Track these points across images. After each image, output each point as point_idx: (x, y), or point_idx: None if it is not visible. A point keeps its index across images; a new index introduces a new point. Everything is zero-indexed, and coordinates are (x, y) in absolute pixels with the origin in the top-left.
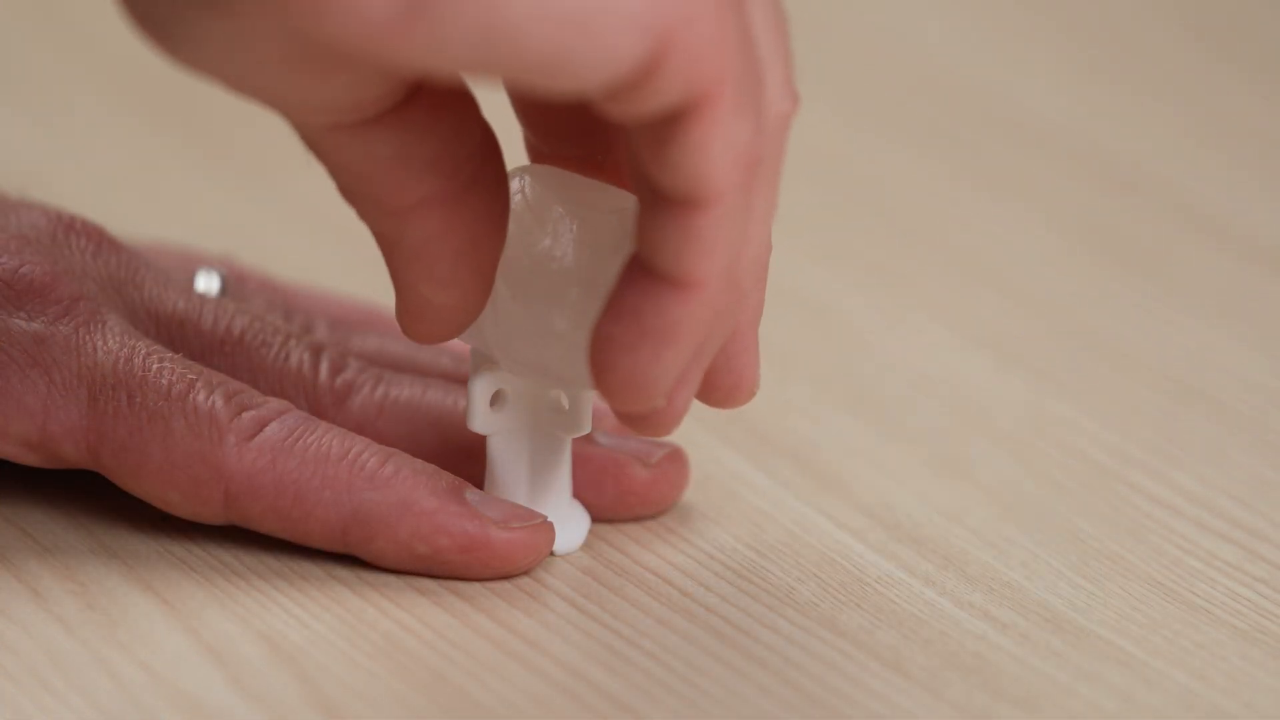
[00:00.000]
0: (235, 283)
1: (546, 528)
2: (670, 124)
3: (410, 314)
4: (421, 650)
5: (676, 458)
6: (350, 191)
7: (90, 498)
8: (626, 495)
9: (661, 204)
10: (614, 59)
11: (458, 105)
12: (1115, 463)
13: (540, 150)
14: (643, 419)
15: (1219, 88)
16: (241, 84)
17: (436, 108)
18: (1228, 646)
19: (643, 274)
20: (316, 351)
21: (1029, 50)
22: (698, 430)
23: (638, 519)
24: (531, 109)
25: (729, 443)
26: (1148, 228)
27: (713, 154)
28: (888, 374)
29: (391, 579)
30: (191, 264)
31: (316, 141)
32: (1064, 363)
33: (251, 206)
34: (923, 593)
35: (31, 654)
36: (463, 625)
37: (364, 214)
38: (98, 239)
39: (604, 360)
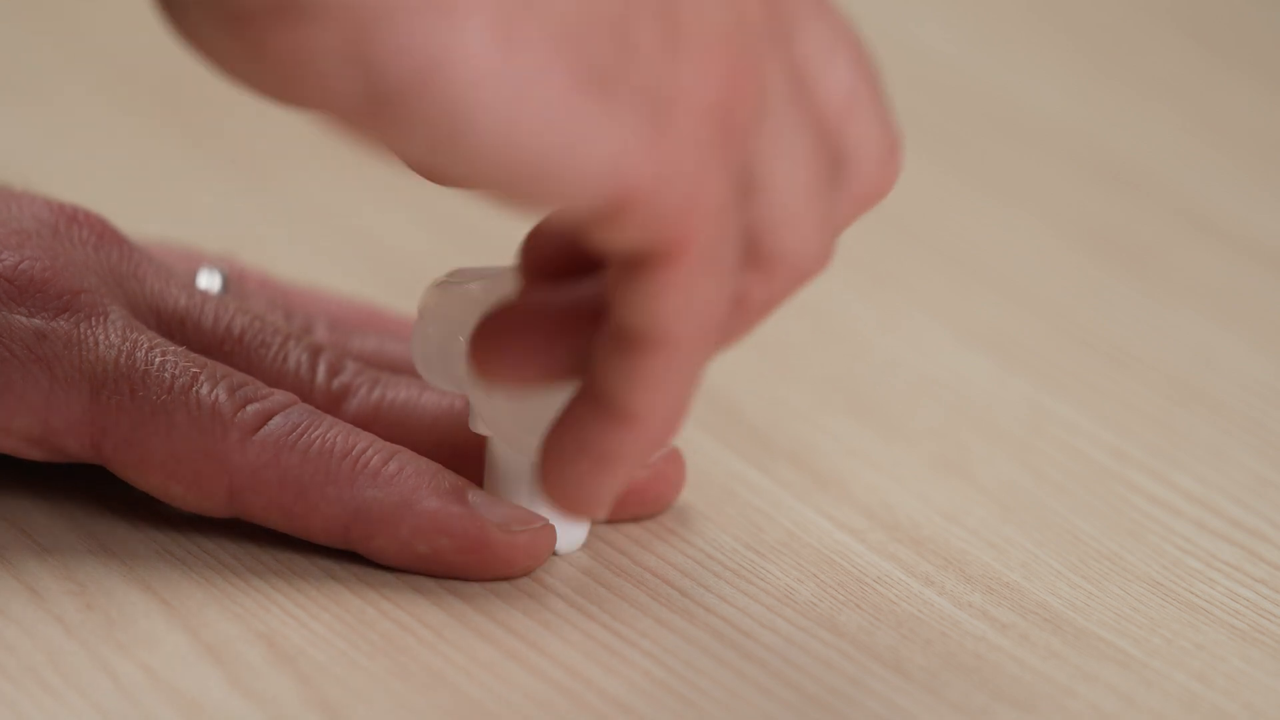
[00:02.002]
0: (236, 281)
1: (547, 531)
2: (634, 264)
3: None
4: (420, 650)
5: (674, 458)
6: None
7: (90, 497)
8: (624, 496)
9: (616, 334)
10: (571, 202)
11: None
12: (1115, 463)
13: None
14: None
15: (1219, 88)
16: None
17: None
18: (1227, 647)
19: (589, 397)
20: (315, 353)
21: (1029, 50)
22: (696, 430)
23: (636, 519)
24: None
25: (728, 443)
26: (1148, 228)
27: (667, 306)
28: (887, 374)
29: (391, 579)
30: (194, 261)
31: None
32: (1064, 363)
33: (251, 206)
34: (922, 593)
35: (30, 654)
36: (462, 625)
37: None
38: (100, 231)
39: (548, 469)
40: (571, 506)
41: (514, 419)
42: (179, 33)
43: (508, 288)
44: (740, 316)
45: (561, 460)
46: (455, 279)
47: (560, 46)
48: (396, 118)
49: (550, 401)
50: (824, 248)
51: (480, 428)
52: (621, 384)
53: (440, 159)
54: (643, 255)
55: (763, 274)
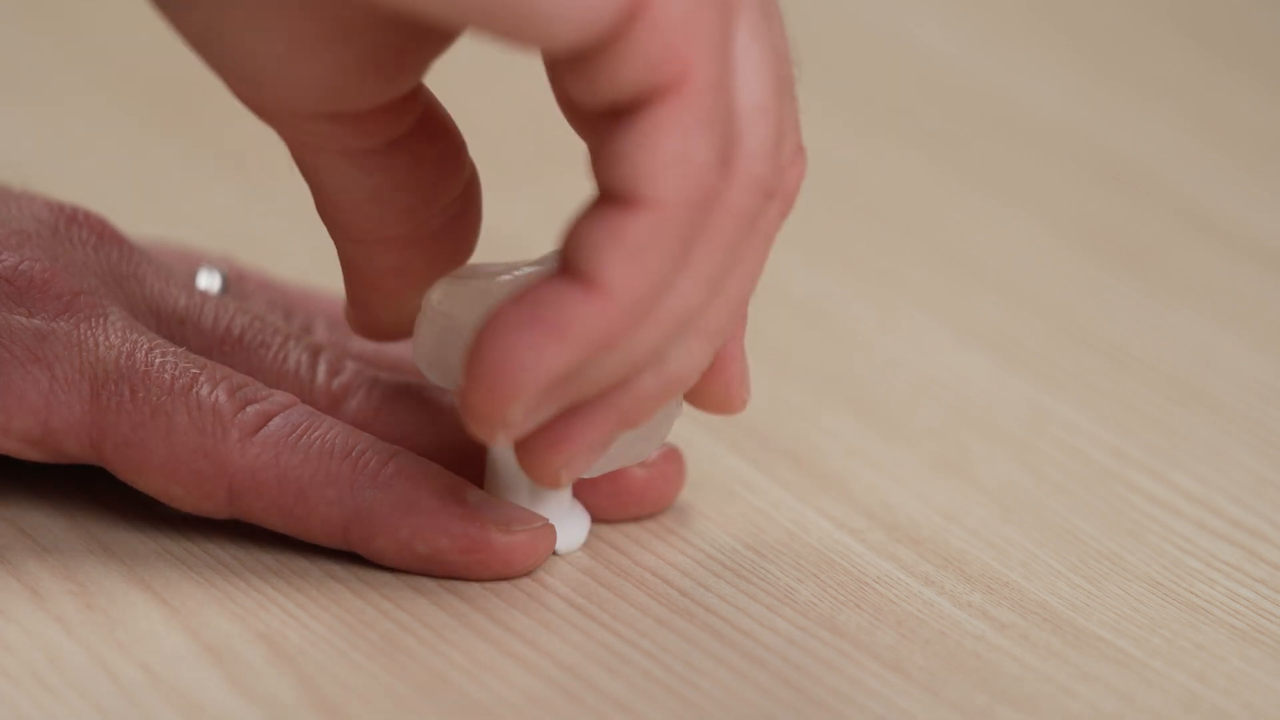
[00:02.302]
0: (235, 282)
1: (547, 531)
2: (626, 113)
3: (355, 318)
4: (420, 650)
5: (673, 457)
6: (322, 212)
7: (89, 497)
8: (623, 495)
9: (599, 204)
10: (583, 11)
11: (444, 153)
12: (1115, 463)
13: None
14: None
15: (1219, 88)
16: (230, 60)
17: (419, 156)
18: (1227, 647)
19: (560, 271)
20: (315, 353)
21: (1029, 50)
22: (696, 430)
23: (635, 519)
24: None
25: (727, 443)
26: (1148, 228)
27: (659, 153)
28: (887, 374)
29: (391, 579)
30: (193, 262)
31: (301, 161)
32: (1064, 363)
33: (251, 206)
34: (922, 593)
35: (30, 654)
36: (462, 625)
37: (332, 234)
38: (100, 231)
39: (483, 339)
40: (496, 387)
41: None
42: None
43: (513, 285)
44: (711, 234)
45: (503, 328)
46: (463, 273)
47: None
48: None
49: None
50: (777, 161)
51: (434, 378)
52: (593, 247)
53: None
54: (638, 96)
55: (726, 174)
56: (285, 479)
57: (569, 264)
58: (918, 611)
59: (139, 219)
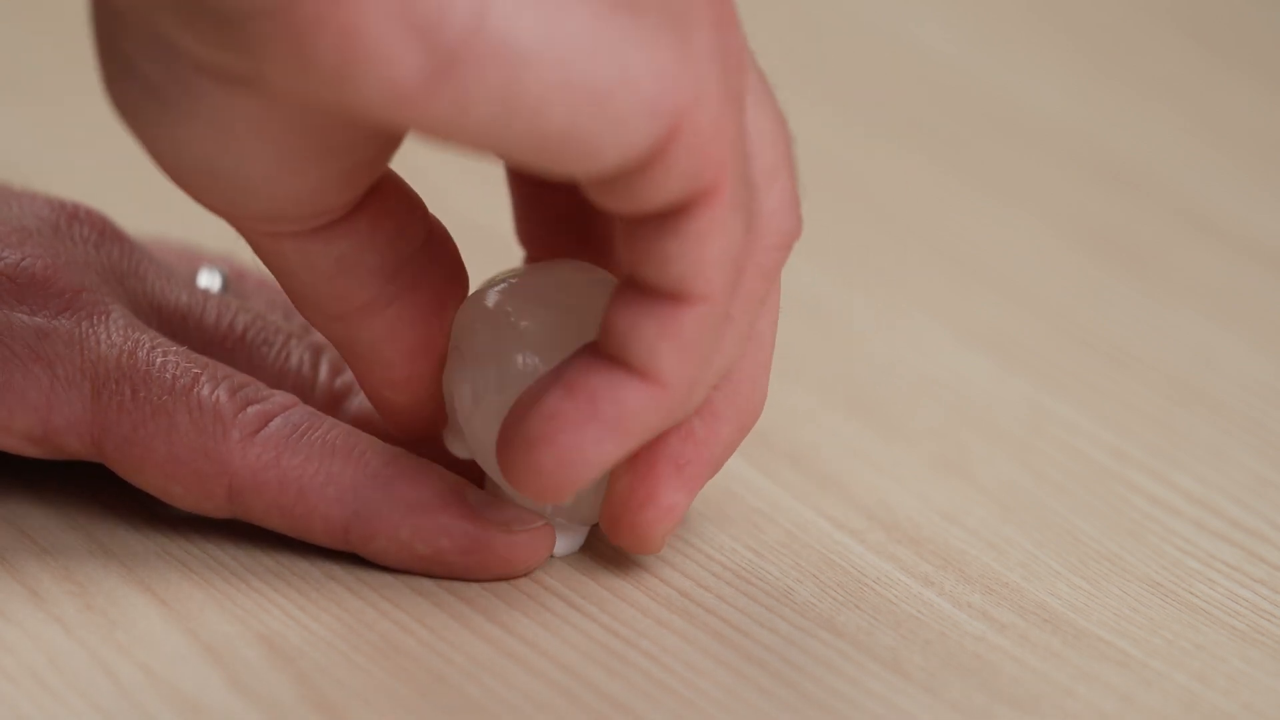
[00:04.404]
0: (236, 280)
1: (547, 531)
2: (670, 217)
3: (383, 414)
4: (420, 651)
5: None
6: (296, 300)
7: (89, 498)
8: None
9: (645, 297)
10: (628, 138)
11: (401, 209)
12: (1115, 463)
13: (535, 242)
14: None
15: (1219, 88)
16: (211, 178)
17: (379, 215)
18: (1227, 647)
19: (606, 361)
20: (316, 352)
21: (1029, 50)
22: None
23: None
24: (531, 210)
25: None
26: (1148, 228)
27: (709, 249)
28: (887, 374)
29: (390, 579)
30: (193, 260)
31: (261, 249)
32: (1064, 363)
33: None
34: (921, 593)
35: (30, 654)
36: (461, 626)
37: (312, 320)
38: (101, 228)
39: (542, 434)
40: (560, 478)
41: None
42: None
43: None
44: (744, 295)
45: (562, 425)
46: (500, 301)
47: None
48: (458, 81)
49: None
50: (795, 212)
51: (459, 450)
52: (650, 345)
53: (500, 118)
54: (679, 204)
55: (751, 239)
56: (286, 479)
57: (621, 358)
58: (917, 612)
59: (139, 217)
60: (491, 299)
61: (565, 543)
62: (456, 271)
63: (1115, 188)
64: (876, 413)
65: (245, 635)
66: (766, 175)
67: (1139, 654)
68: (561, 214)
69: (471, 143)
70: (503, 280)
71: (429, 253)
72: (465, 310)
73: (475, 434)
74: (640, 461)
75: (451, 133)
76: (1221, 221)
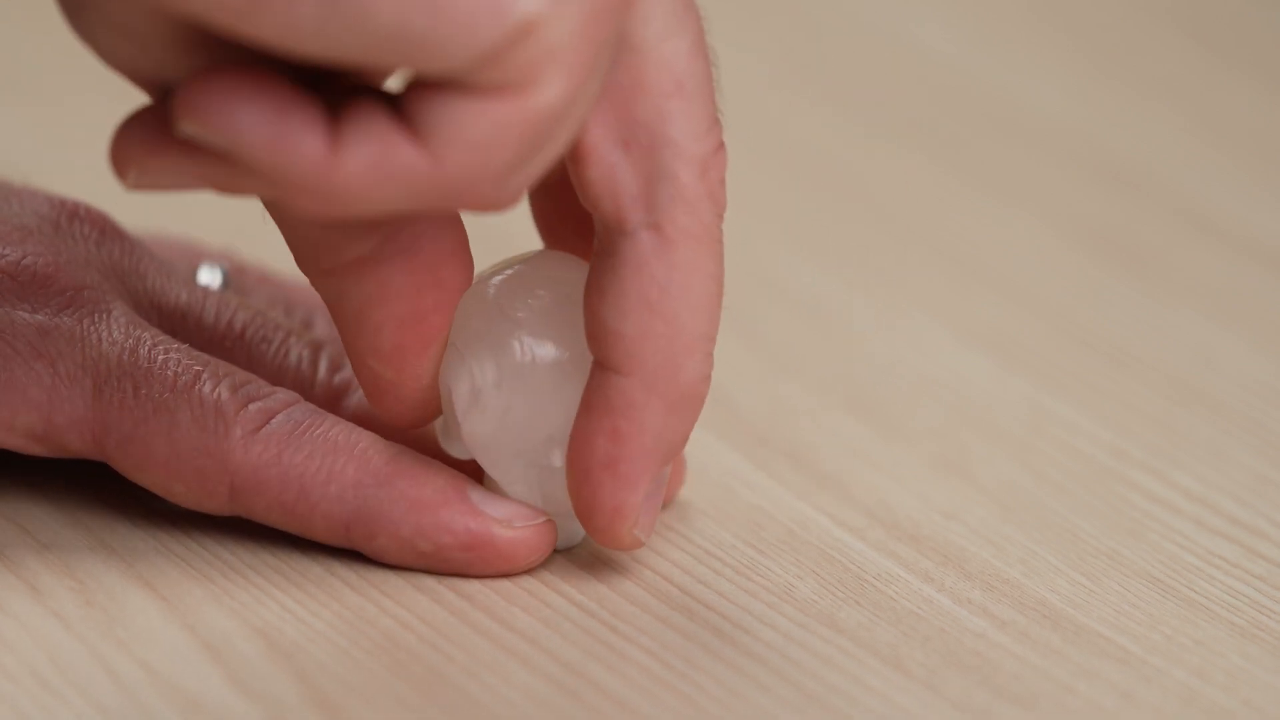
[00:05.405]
0: (236, 277)
1: (549, 527)
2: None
3: (368, 392)
4: (420, 647)
5: None
6: (290, 244)
7: (89, 495)
8: None
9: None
10: (469, 40)
11: None
12: (1114, 462)
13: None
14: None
15: (1219, 88)
16: (123, 66)
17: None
18: (1226, 644)
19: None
20: (316, 349)
21: (1029, 50)
22: (696, 428)
23: None
24: (548, 204)
25: (727, 441)
26: (1148, 228)
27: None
28: (887, 374)
29: (390, 576)
30: (193, 257)
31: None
32: (1064, 363)
33: (252, 202)
34: (921, 590)
35: (30, 651)
36: (461, 622)
37: (305, 272)
38: (101, 226)
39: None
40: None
41: (500, 448)
42: None
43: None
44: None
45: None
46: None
47: None
48: None
49: (536, 427)
50: (716, 132)
51: (456, 451)
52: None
53: (330, 21)
54: (495, 87)
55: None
56: (287, 476)
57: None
58: (917, 609)
59: (139, 214)
60: (487, 289)
61: (567, 538)
62: (459, 248)
63: (1115, 188)
64: (876, 412)
65: (245, 632)
66: (669, 97)
67: (1138, 650)
68: (579, 208)
69: (307, 48)
70: (500, 271)
71: (433, 222)
72: (461, 303)
73: (473, 430)
74: (576, 469)
75: (284, 37)
76: (1221, 221)
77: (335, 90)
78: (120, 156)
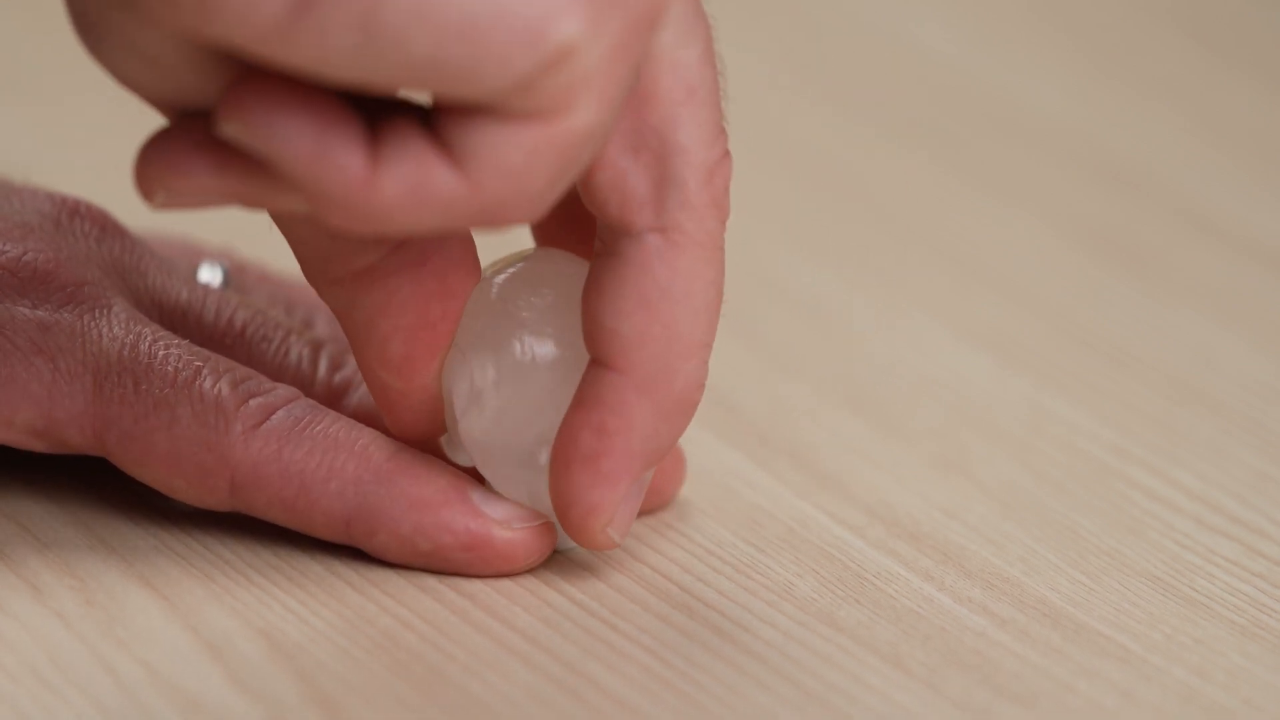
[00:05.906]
0: (237, 275)
1: (549, 528)
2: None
3: (381, 406)
4: (420, 646)
5: (673, 454)
6: (297, 255)
7: (89, 493)
8: None
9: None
10: (503, 68)
11: None
12: (1114, 461)
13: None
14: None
15: (1219, 88)
16: (145, 91)
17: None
18: (1227, 642)
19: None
20: (316, 348)
21: (1029, 50)
22: (695, 428)
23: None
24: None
25: (727, 440)
26: (1148, 228)
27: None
28: (887, 374)
29: (391, 575)
30: (194, 255)
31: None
32: (1064, 363)
33: None
34: (921, 588)
35: (30, 650)
36: (462, 621)
37: (313, 284)
38: (102, 223)
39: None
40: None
41: (502, 453)
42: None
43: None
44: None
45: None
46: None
47: None
48: (317, 14)
49: (532, 428)
50: (721, 140)
51: (460, 458)
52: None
53: (363, 49)
54: (529, 112)
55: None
56: (288, 473)
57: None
58: (917, 607)
59: (140, 214)
60: (490, 288)
61: (565, 538)
62: (466, 256)
63: (1115, 188)
64: (876, 412)
65: (245, 631)
66: (680, 104)
67: (1139, 649)
68: (581, 210)
69: (341, 75)
70: (502, 269)
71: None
72: None
73: (470, 431)
74: (558, 461)
75: (319, 65)
76: (1221, 221)
77: (367, 104)
78: (146, 179)
